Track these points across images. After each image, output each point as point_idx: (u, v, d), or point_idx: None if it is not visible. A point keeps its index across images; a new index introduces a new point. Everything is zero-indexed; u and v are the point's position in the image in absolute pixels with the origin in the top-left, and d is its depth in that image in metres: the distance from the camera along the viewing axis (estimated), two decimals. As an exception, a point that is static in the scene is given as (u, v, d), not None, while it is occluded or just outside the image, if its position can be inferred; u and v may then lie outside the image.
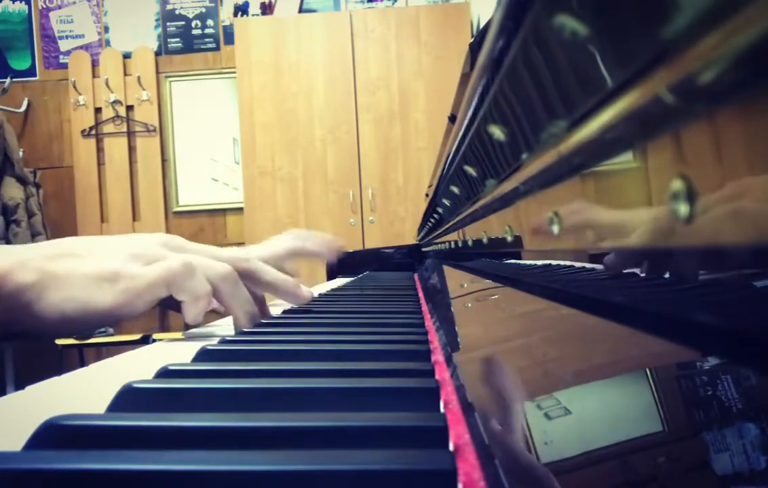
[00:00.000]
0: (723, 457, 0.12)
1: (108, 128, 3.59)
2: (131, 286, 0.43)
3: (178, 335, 0.51)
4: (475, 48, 0.38)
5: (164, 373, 0.27)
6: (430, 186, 1.22)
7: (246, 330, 0.44)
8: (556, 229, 0.25)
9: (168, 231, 3.58)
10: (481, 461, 0.18)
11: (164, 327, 3.34)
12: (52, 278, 0.41)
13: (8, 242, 3.14)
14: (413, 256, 1.61)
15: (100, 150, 3.60)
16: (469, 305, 0.50)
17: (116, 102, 3.57)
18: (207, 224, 3.61)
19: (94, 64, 3.62)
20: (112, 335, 3.04)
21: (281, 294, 0.56)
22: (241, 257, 0.52)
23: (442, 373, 0.29)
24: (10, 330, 0.41)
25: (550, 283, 0.31)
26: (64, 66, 3.63)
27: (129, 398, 0.23)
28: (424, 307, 0.60)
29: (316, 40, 3.16)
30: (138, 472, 0.16)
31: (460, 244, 0.72)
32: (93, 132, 3.59)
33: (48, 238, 3.33)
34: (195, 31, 3.62)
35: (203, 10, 3.62)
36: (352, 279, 1.33)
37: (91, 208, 3.56)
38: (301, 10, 3.52)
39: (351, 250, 1.74)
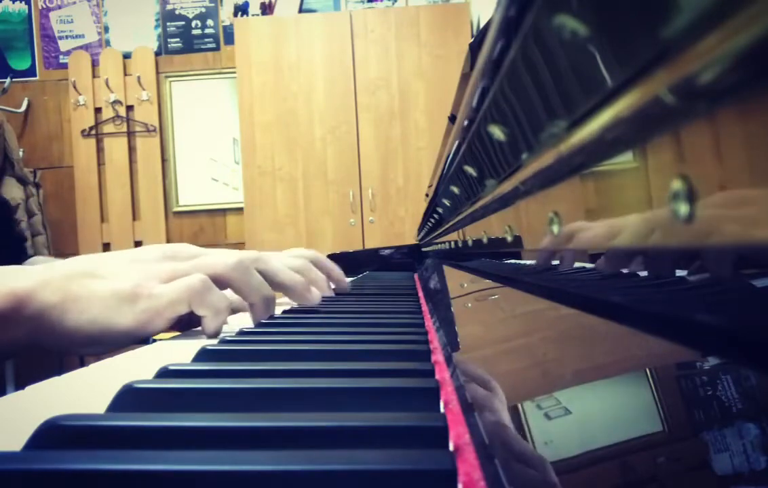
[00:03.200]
0: (723, 457, 0.12)
1: (108, 128, 3.58)
2: (151, 306, 0.44)
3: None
4: (475, 48, 0.38)
5: (164, 373, 0.27)
6: (430, 186, 1.22)
7: (246, 329, 0.44)
8: (556, 229, 0.25)
9: (168, 231, 3.58)
10: (481, 461, 0.18)
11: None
12: (73, 299, 0.42)
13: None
14: (413, 256, 1.61)
15: (100, 150, 3.60)
16: (469, 305, 0.50)
17: (116, 102, 3.57)
18: (207, 224, 3.61)
19: (94, 64, 3.62)
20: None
21: (291, 294, 0.57)
22: (252, 256, 0.54)
23: (442, 373, 0.29)
24: (34, 346, 0.42)
25: (550, 283, 0.31)
26: (64, 66, 3.63)
27: (129, 398, 0.23)
28: (424, 307, 0.60)
29: (316, 40, 3.16)
30: (138, 472, 0.16)
31: (460, 244, 0.72)
32: (93, 132, 3.59)
33: (48, 238, 3.33)
34: (195, 31, 3.62)
35: (203, 10, 3.62)
36: (352, 279, 1.33)
37: (91, 208, 3.56)
38: (301, 10, 3.52)
39: (351, 250, 1.74)
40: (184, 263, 0.48)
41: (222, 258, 0.50)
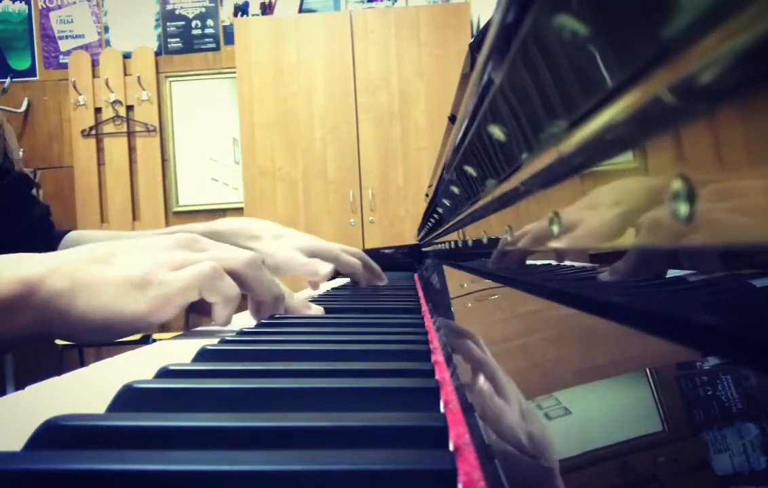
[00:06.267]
0: (723, 457, 0.12)
1: (108, 128, 3.58)
2: (162, 293, 0.43)
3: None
4: (475, 48, 0.38)
5: (164, 373, 0.27)
6: (430, 186, 1.22)
7: (246, 329, 0.44)
8: (556, 229, 0.25)
9: (168, 231, 3.58)
10: (481, 461, 0.18)
11: (164, 327, 3.34)
12: (83, 286, 0.41)
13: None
14: (413, 256, 1.61)
15: (100, 150, 3.60)
16: (469, 305, 0.50)
17: (116, 102, 3.57)
18: (207, 224, 3.61)
19: (94, 64, 3.62)
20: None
21: (291, 308, 0.58)
22: (261, 259, 0.54)
23: (442, 373, 0.29)
24: (43, 334, 0.42)
25: (550, 283, 0.31)
26: (64, 66, 3.63)
27: (129, 398, 0.23)
28: (424, 307, 0.60)
29: (316, 40, 3.16)
30: (138, 472, 0.16)
31: (460, 244, 0.72)
32: (93, 132, 3.59)
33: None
34: (195, 31, 3.62)
35: (203, 10, 3.62)
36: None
37: (91, 208, 3.56)
38: (301, 10, 3.52)
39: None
40: (196, 253, 0.48)
41: (236, 254, 0.50)
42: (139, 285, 0.43)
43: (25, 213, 0.83)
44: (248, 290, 0.50)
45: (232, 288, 0.47)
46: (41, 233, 0.84)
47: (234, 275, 0.48)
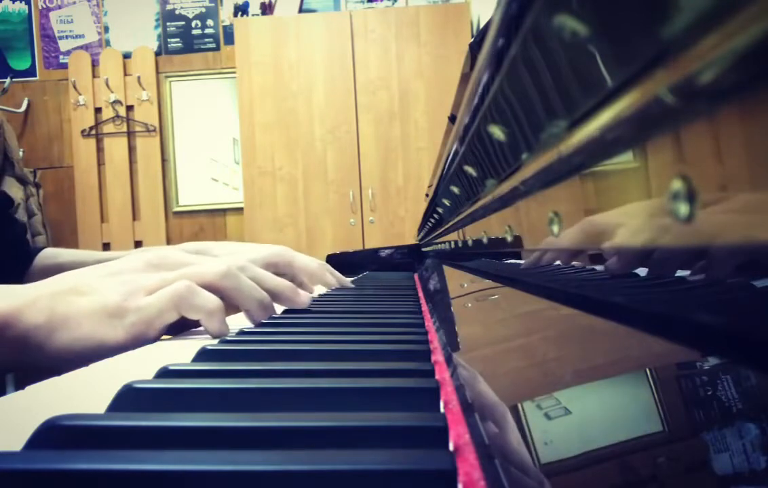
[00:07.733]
0: (723, 457, 0.12)
1: (108, 128, 3.58)
2: (140, 318, 0.43)
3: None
4: (475, 48, 0.38)
5: (164, 373, 0.27)
6: (430, 186, 1.22)
7: (246, 329, 0.44)
8: (556, 228, 0.25)
9: (168, 231, 3.58)
10: (481, 461, 0.18)
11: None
12: (61, 318, 0.41)
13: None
14: (413, 256, 1.61)
15: (100, 150, 3.60)
16: (469, 305, 0.50)
17: (116, 102, 3.57)
18: (207, 224, 3.61)
19: (94, 64, 3.62)
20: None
21: (279, 299, 0.57)
22: (239, 264, 0.53)
23: (442, 373, 0.29)
24: (23, 365, 0.41)
25: (550, 283, 0.31)
26: (64, 66, 3.63)
27: (129, 398, 0.23)
28: (424, 307, 0.60)
29: (316, 40, 3.16)
30: (138, 472, 0.16)
31: (460, 244, 0.72)
32: (93, 132, 3.59)
33: (48, 238, 3.33)
34: (195, 31, 3.62)
35: (203, 10, 3.62)
36: (351, 279, 1.32)
37: (91, 208, 3.56)
38: (301, 10, 3.52)
39: (351, 250, 1.75)
40: (171, 273, 0.47)
41: (210, 267, 0.49)
42: (116, 314, 0.43)
43: (2, 234, 0.83)
44: (230, 301, 0.50)
45: (210, 301, 0.46)
46: (17, 253, 0.84)
47: (211, 288, 0.48)
